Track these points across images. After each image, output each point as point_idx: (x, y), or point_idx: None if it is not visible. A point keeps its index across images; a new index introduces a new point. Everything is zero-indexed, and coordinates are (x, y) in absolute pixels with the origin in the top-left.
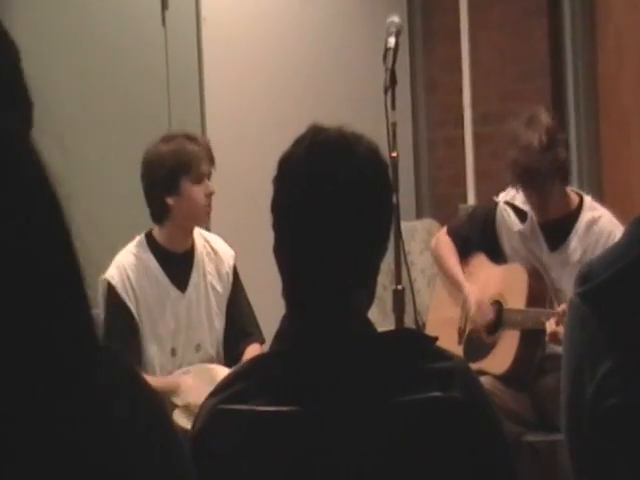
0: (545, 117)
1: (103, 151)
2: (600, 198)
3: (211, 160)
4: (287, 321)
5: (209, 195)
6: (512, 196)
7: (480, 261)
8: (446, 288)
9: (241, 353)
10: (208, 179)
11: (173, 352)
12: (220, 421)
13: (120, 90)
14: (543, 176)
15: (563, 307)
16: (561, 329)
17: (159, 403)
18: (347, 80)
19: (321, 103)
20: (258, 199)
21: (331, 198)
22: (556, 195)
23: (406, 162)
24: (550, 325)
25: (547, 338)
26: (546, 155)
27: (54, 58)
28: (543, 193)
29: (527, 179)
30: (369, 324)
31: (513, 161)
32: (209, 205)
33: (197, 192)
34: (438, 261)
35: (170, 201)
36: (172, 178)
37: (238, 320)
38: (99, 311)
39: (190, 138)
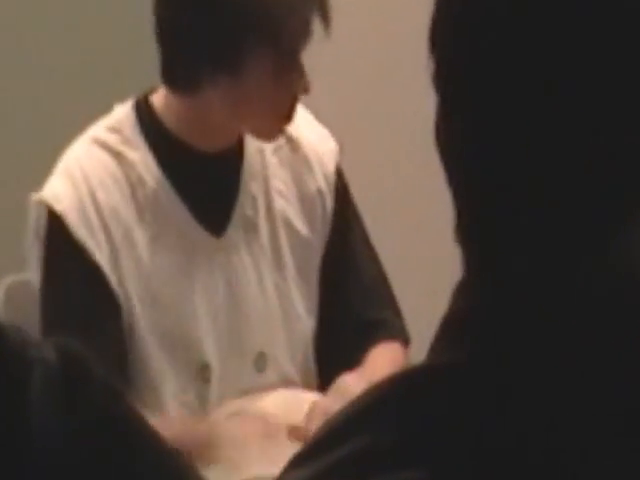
0: None
1: None
2: None
3: (324, 15)
4: (467, 294)
5: (297, 93)
6: None
7: None
8: None
9: (360, 361)
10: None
11: (204, 370)
12: None
13: None
14: None
15: None
16: None
17: (172, 461)
18: None
19: None
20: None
21: (569, 19)
22: None
23: None
24: None
25: None
26: None
27: None
28: None
29: None
30: None
31: None
32: (293, 109)
33: (275, 79)
34: None
35: (220, 78)
36: (235, 38)
37: (352, 292)
38: (33, 273)
39: None
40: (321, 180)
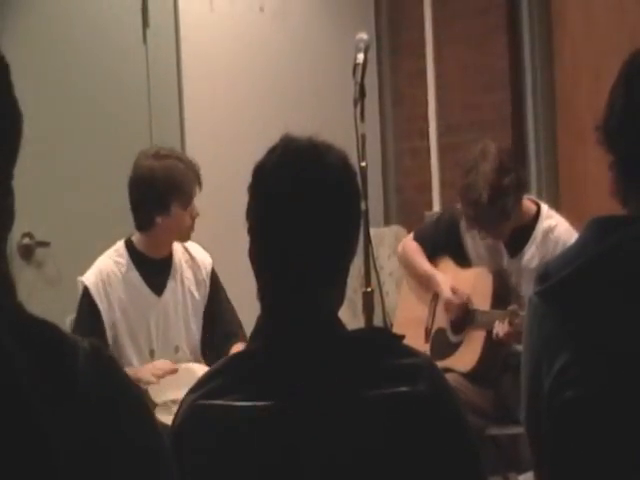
0: (492, 159)
1: (85, 165)
2: (557, 207)
3: (199, 183)
4: (261, 321)
5: (194, 218)
6: None
7: (446, 264)
8: (413, 289)
9: (227, 353)
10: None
11: (152, 353)
12: (199, 416)
13: (102, 106)
14: (492, 225)
15: (513, 307)
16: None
17: (139, 394)
18: (319, 94)
19: (295, 116)
20: (235, 208)
21: (302, 202)
22: (510, 221)
23: (375, 171)
24: (500, 326)
25: (494, 336)
26: (493, 209)
27: (38, 75)
28: (495, 232)
29: (477, 227)
30: (338, 322)
31: (464, 210)
32: (193, 226)
33: (185, 215)
34: (406, 263)
35: (158, 219)
36: (164, 199)
37: (220, 322)
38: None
39: (182, 160)
40: (205, 275)
